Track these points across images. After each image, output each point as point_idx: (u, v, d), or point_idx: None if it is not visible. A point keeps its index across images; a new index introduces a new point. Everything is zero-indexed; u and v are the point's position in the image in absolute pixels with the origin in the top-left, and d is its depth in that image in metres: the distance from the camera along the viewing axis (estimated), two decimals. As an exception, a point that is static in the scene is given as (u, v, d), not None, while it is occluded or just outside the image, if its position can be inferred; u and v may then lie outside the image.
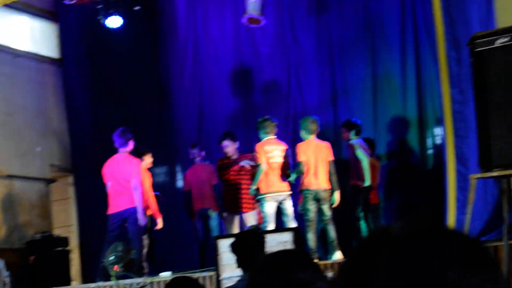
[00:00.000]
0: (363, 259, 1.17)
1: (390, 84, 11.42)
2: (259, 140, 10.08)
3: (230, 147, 10.87)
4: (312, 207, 9.71)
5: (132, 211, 10.02)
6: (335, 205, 9.83)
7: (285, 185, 9.99)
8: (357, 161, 10.27)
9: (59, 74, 13.00)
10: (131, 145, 10.29)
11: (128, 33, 12.70)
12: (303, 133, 9.95)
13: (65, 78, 13.02)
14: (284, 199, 9.97)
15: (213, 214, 10.90)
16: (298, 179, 9.93)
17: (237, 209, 10.82)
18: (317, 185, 9.74)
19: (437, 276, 1.07)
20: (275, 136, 10.15)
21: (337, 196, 9.81)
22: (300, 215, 10.11)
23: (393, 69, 11.40)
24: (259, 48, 12.38)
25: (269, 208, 9.90)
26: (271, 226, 9.71)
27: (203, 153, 11.18)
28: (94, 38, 12.93)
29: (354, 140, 10.45)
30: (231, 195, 10.82)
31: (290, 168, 10.02)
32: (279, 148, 10.11)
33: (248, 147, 10.84)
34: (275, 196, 9.92)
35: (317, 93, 11.97)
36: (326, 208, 9.75)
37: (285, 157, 10.07)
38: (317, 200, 9.74)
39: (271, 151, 10.01)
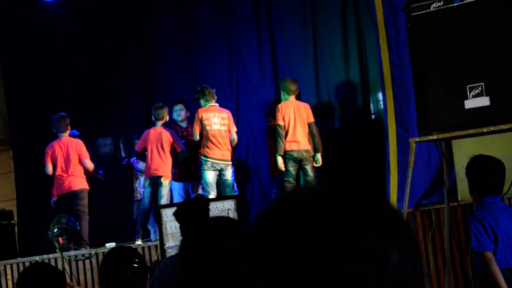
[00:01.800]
0: (266, 226, 1.12)
1: (332, 50, 11.38)
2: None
3: (182, 115, 10.80)
4: (292, 168, 9.61)
5: (79, 192, 10.18)
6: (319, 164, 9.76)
7: (226, 154, 9.96)
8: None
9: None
10: (69, 130, 10.43)
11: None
12: (283, 95, 9.78)
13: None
14: (224, 168, 9.95)
15: (166, 182, 10.52)
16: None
17: (186, 177, 10.77)
18: (298, 146, 9.60)
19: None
20: (216, 104, 10.10)
21: (319, 157, 9.74)
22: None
23: (334, 36, 11.37)
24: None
25: (209, 176, 9.87)
26: (212, 195, 9.70)
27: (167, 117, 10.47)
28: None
29: None
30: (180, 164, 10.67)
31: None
32: (220, 116, 10.06)
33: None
34: (215, 164, 9.90)
35: (257, 61, 11.87)
36: (309, 168, 9.65)
37: (229, 125, 10.04)
38: (299, 161, 9.62)
39: (210, 118, 9.96)
